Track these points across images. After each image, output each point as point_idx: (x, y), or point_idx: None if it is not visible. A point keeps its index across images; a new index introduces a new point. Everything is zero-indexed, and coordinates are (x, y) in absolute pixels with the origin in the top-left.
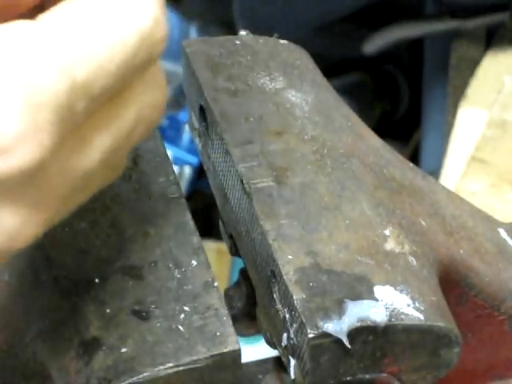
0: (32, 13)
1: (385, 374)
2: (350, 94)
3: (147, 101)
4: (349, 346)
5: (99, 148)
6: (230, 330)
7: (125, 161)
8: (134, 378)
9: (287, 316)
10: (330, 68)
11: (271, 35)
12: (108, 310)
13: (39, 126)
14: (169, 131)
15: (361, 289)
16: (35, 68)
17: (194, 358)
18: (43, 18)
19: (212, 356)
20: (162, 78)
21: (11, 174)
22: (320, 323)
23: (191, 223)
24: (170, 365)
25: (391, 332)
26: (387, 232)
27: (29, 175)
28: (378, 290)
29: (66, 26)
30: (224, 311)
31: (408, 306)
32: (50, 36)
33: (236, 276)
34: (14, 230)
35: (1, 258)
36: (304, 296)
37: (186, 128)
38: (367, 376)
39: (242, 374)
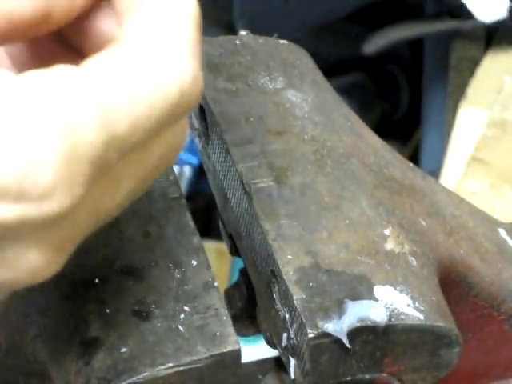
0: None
1: (385, 374)
2: (349, 93)
3: (171, 142)
4: (349, 346)
5: (125, 189)
6: (230, 329)
7: (142, 193)
8: (134, 378)
9: (287, 316)
10: (330, 68)
11: (271, 35)
12: (108, 310)
13: (73, 177)
14: None
15: (361, 289)
16: (77, 119)
17: (194, 358)
18: (87, 65)
19: (212, 356)
20: (185, 119)
21: (41, 220)
22: (320, 323)
23: (191, 223)
24: (170, 365)
25: (391, 332)
26: (387, 232)
27: (58, 220)
28: (378, 290)
29: (109, 78)
30: (224, 311)
31: (408, 305)
32: (93, 87)
33: (236, 276)
34: (38, 267)
35: (18, 287)
36: (304, 296)
37: None
38: (367, 376)
39: (242, 373)
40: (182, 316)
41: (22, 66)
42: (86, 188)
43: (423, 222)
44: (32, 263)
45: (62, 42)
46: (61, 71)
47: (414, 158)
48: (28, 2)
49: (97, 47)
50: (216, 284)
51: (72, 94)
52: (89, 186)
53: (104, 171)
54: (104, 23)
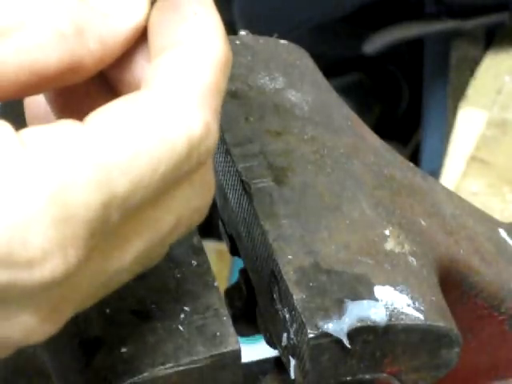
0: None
1: (385, 374)
2: (349, 94)
3: (191, 204)
4: (349, 346)
5: (133, 252)
6: (230, 329)
7: (160, 256)
8: (134, 378)
9: (287, 316)
10: (330, 68)
11: (271, 35)
12: (108, 310)
13: (67, 241)
14: None
15: (361, 289)
16: (68, 179)
17: (194, 358)
18: (91, 121)
19: (212, 356)
20: (210, 178)
21: (32, 286)
22: (320, 323)
23: None
24: (170, 365)
25: (391, 332)
26: (387, 232)
27: (53, 286)
28: (378, 290)
29: (111, 134)
30: (224, 311)
31: (408, 305)
32: (95, 146)
33: (236, 276)
34: (32, 328)
35: (16, 349)
36: (304, 296)
37: None
38: (367, 376)
39: (242, 373)
40: (182, 316)
41: (59, 110)
42: (83, 252)
43: (423, 222)
44: (25, 325)
45: (104, 82)
46: (61, 128)
47: (414, 158)
48: (52, 53)
49: (133, 89)
50: (216, 284)
51: (67, 152)
52: (87, 250)
53: (106, 232)
54: (140, 66)
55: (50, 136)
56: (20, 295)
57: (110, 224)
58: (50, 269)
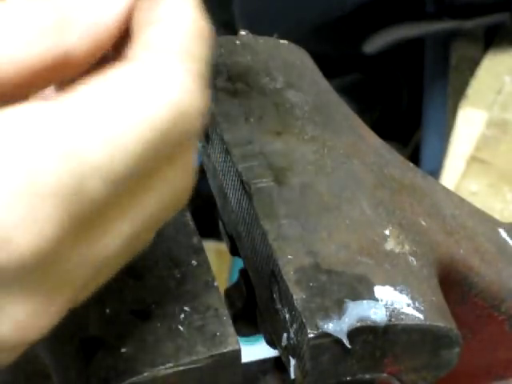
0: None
1: (385, 374)
2: (350, 94)
3: (174, 186)
4: (349, 346)
5: (120, 235)
6: (230, 329)
7: (147, 242)
8: (134, 378)
9: (287, 316)
10: (330, 68)
11: (271, 35)
12: (108, 310)
13: (39, 214)
14: None
15: (361, 289)
16: (38, 151)
17: (194, 358)
18: (66, 99)
19: (212, 356)
20: (190, 160)
21: (11, 265)
22: (320, 323)
23: (191, 223)
24: (170, 365)
25: (391, 332)
26: (387, 232)
27: (35, 264)
28: (378, 290)
29: (86, 108)
30: (224, 311)
31: (408, 306)
32: (66, 119)
33: (236, 276)
34: (26, 321)
35: (15, 351)
36: (304, 296)
37: None
38: (367, 376)
39: (242, 373)
40: (182, 316)
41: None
42: (58, 226)
43: (423, 222)
44: (17, 316)
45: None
46: (34, 107)
47: (414, 158)
48: (34, 50)
49: None
50: (216, 284)
51: (40, 128)
52: (64, 225)
53: (87, 210)
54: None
55: (23, 115)
56: (6, 279)
57: (92, 198)
58: (25, 244)
